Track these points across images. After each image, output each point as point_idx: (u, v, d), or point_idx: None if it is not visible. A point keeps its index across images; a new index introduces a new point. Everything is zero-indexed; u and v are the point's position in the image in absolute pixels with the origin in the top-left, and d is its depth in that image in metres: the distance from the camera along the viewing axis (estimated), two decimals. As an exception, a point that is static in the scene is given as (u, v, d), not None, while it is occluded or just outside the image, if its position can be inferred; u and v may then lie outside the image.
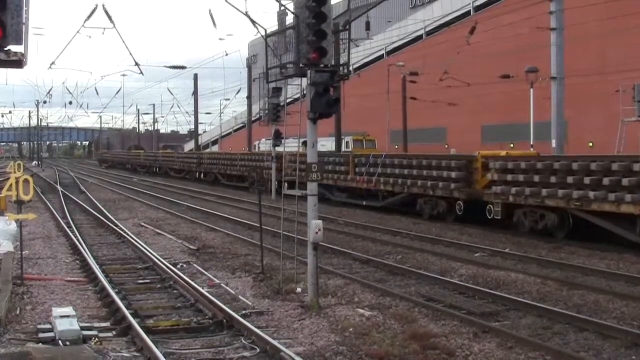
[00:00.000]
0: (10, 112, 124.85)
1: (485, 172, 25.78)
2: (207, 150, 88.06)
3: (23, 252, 17.32)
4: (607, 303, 13.65)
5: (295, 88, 17.56)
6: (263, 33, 15.59)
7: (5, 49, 7.89)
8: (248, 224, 26.70)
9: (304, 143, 15.46)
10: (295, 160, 40.02)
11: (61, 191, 43.56)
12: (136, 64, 36.16)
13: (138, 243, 21.51)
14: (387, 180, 30.92)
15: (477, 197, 25.55)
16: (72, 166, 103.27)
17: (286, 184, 22.17)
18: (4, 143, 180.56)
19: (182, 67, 55.21)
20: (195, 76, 78.07)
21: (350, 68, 15.85)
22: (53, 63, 44.70)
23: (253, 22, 17.17)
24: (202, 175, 59.89)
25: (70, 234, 23.73)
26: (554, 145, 30.87)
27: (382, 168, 31.34)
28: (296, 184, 15.34)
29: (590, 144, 40.63)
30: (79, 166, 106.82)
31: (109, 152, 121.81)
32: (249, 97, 69.41)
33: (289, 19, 14.18)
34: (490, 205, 24.59)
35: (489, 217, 24.66)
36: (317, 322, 12.35)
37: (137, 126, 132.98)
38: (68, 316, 11.78)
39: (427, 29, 60.52)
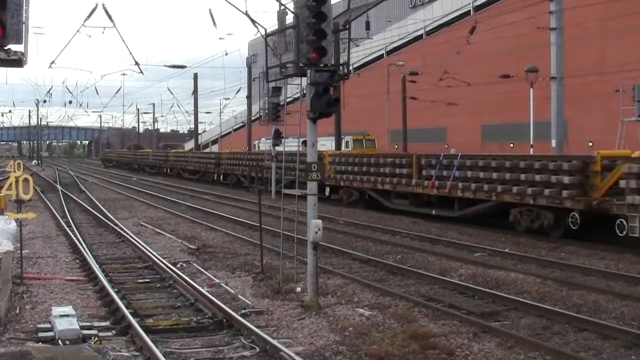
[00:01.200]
0: (10, 111, 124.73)
1: (606, 175, 21.04)
2: (228, 150, 78.63)
3: (23, 252, 17.32)
4: (607, 303, 13.65)
5: (295, 87, 17.55)
6: (263, 32, 15.59)
7: (5, 48, 7.89)
8: (248, 223, 26.70)
9: (304, 142, 15.46)
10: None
11: (61, 190, 43.56)
12: (136, 63, 36.16)
13: (138, 242, 21.51)
14: (467, 185, 25.53)
15: (602, 209, 20.50)
16: (72, 165, 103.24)
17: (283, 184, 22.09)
18: (4, 142, 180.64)
19: (182, 67, 55.21)
20: (195, 75, 78.11)
21: (350, 68, 15.85)
22: (53, 62, 44.84)
23: (253, 21, 17.19)
24: (221, 178, 54.41)
25: (70, 233, 23.73)
26: (554, 145, 30.87)
27: (460, 171, 26.22)
28: (296, 184, 15.32)
29: (590, 144, 40.62)
30: (79, 165, 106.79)
31: (113, 151, 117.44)
32: (248, 97, 69.39)
33: (289, 18, 14.19)
34: (622, 220, 19.66)
35: (621, 235, 19.88)
36: (316, 321, 12.35)
37: (137, 125, 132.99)
38: (68, 315, 11.78)
39: (427, 29, 60.51)
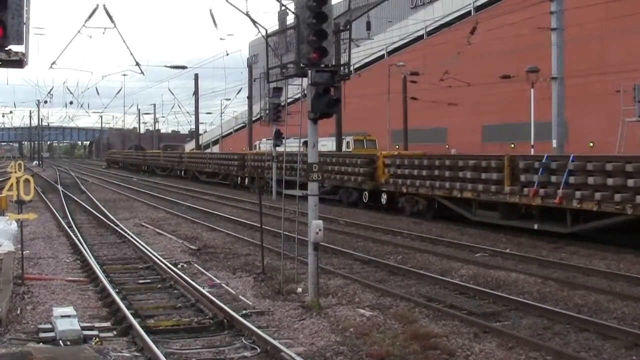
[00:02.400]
0: (11, 112, 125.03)
1: None
2: (255, 148, 69.15)
3: (24, 252, 17.32)
4: (608, 303, 13.65)
5: (296, 88, 17.54)
6: (264, 33, 15.62)
7: (6, 48, 7.90)
8: (249, 224, 26.70)
9: (305, 143, 15.47)
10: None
11: (62, 191, 43.57)
12: (137, 64, 36.23)
13: (139, 243, 21.52)
14: (587, 194, 20.58)
15: None
16: (72, 166, 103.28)
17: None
18: (5, 143, 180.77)
19: (183, 67, 55.25)
20: (196, 76, 78.19)
21: (351, 68, 15.84)
22: (54, 63, 44.77)
23: (254, 22, 17.24)
24: (245, 181, 48.93)
25: (71, 233, 23.74)
26: (554, 145, 30.86)
27: (575, 176, 21.19)
28: (297, 184, 15.32)
29: (591, 144, 40.62)
30: (79, 166, 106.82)
31: (119, 151, 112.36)
32: (249, 97, 69.42)
33: (290, 19, 14.23)
34: None
35: None
36: (317, 322, 12.35)
37: (137, 126, 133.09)
38: (69, 316, 11.79)
39: (428, 29, 60.52)
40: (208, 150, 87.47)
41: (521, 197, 22.96)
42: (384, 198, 31.70)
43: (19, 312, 13.08)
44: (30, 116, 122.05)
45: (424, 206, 28.86)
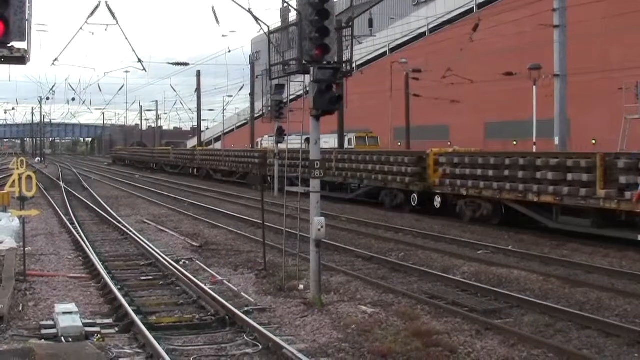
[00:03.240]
0: (13, 108, 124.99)
1: None
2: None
3: (26, 249, 17.33)
4: (610, 301, 13.64)
5: (298, 85, 17.57)
6: (266, 30, 15.58)
7: (9, 45, 7.90)
8: (250, 220, 26.71)
9: (307, 140, 15.46)
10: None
11: (64, 188, 43.58)
12: (139, 60, 36.31)
13: (141, 240, 21.53)
14: None
15: None
16: (75, 163, 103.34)
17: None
18: (7, 139, 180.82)
19: (185, 64, 55.23)
20: (198, 73, 78.24)
21: (353, 65, 15.84)
22: (56, 60, 45.02)
23: (256, 19, 17.19)
24: (271, 183, 41.69)
25: (73, 230, 23.75)
26: (557, 142, 30.86)
27: None
28: (299, 181, 15.32)
29: (594, 142, 40.60)
30: (81, 163, 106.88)
31: (125, 148, 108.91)
32: (251, 94, 69.48)
33: (292, 15, 14.19)
34: None
35: None
36: (319, 319, 12.35)
37: (139, 123, 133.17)
38: (71, 313, 11.80)
39: (430, 27, 60.49)
40: (216, 146, 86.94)
41: (620, 202, 19.69)
42: (437, 201, 28.18)
43: (21, 308, 13.09)
44: (33, 113, 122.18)
45: (488, 211, 25.33)
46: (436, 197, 28.30)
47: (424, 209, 28.94)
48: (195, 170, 61.76)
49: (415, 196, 29.20)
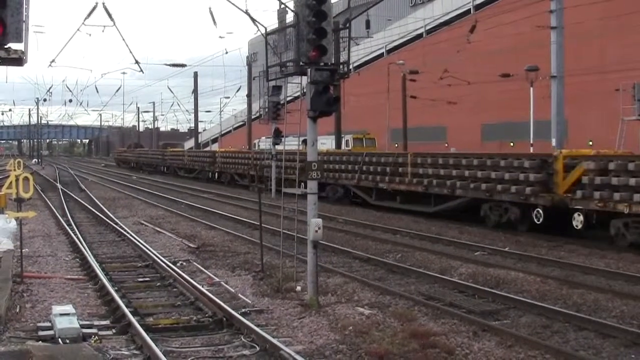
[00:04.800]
0: (10, 109, 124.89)
1: None
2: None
3: (23, 250, 17.31)
4: (607, 302, 13.65)
5: (295, 86, 17.54)
6: (263, 31, 15.60)
7: (6, 46, 7.90)
8: (248, 222, 26.70)
9: (304, 141, 15.46)
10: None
11: (61, 189, 43.55)
12: (136, 62, 36.22)
13: (138, 241, 21.50)
14: None
15: None
16: (72, 164, 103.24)
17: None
18: (4, 141, 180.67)
19: (183, 65, 55.22)
20: (196, 74, 78.26)
21: (351, 66, 15.85)
22: (53, 61, 44.95)
23: (253, 20, 17.21)
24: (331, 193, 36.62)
25: (70, 232, 23.72)
26: (554, 144, 30.90)
27: None
28: (296, 182, 15.32)
29: (590, 143, 40.66)
30: (79, 164, 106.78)
31: (130, 150, 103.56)
32: (249, 96, 69.50)
33: (289, 17, 14.19)
34: None
35: None
36: (316, 320, 12.35)
37: (137, 124, 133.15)
38: (68, 314, 11.77)
39: (428, 28, 60.60)
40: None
41: None
42: (578, 220, 21.57)
43: (18, 310, 13.07)
44: (30, 114, 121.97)
45: None
46: (575, 215, 21.61)
47: (551, 229, 22.83)
48: (215, 175, 55.17)
49: (540, 211, 22.84)
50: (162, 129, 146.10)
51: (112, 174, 73.18)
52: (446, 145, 53.90)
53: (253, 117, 67.33)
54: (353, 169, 33.57)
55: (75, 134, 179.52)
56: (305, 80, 13.54)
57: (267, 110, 39.64)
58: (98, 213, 30.07)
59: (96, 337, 11.35)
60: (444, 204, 27.72)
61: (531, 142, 36.35)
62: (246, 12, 18.00)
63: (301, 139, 16.75)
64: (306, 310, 12.98)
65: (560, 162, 22.61)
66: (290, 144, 35.15)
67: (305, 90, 13.65)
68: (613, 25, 40.09)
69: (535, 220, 23.04)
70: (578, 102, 39.97)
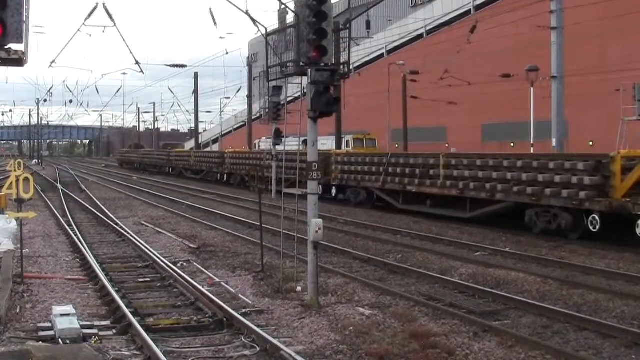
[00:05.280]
0: (10, 110, 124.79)
1: None
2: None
3: (23, 251, 17.32)
4: (608, 302, 13.65)
5: (295, 87, 17.57)
6: (264, 32, 15.61)
7: (6, 47, 7.88)
8: (248, 222, 26.70)
9: (305, 142, 15.46)
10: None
11: (61, 190, 43.57)
12: (137, 62, 36.21)
13: (138, 242, 21.51)
14: None
15: None
16: (72, 165, 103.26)
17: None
18: (5, 141, 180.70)
19: (183, 66, 55.18)
20: (196, 75, 78.21)
21: (351, 67, 15.84)
22: (53, 61, 44.76)
23: (254, 20, 17.22)
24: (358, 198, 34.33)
25: (71, 232, 23.74)
26: (554, 144, 30.89)
27: None
28: (297, 183, 15.31)
29: (591, 143, 40.64)
30: (79, 165, 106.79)
31: (133, 151, 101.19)
32: (249, 96, 69.47)
33: (290, 17, 14.20)
34: None
35: None
36: (317, 321, 12.35)
37: (137, 125, 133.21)
38: (68, 315, 11.78)
39: (428, 28, 60.55)
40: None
41: None
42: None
43: (18, 310, 13.08)
44: (30, 115, 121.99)
45: None
46: None
47: (608, 237, 21.19)
48: (224, 176, 53.14)
49: (597, 218, 21.14)
50: (162, 129, 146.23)
51: (113, 174, 73.18)
52: (447, 145, 53.88)
53: (253, 117, 67.31)
54: (377, 171, 31.47)
55: (75, 134, 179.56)
56: (305, 80, 13.54)
57: (267, 110, 39.65)
58: (98, 213, 30.08)
59: (96, 337, 11.36)
60: (481, 209, 25.60)
61: (532, 142, 36.32)
62: (246, 13, 18.01)
63: (301, 139, 16.76)
64: (306, 311, 12.98)
65: (618, 164, 20.93)
66: (291, 144, 35.13)
67: (305, 91, 13.65)
68: (613, 26, 40.04)
69: (591, 228, 21.29)
70: (578, 103, 39.94)
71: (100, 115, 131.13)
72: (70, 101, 79.95)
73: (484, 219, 25.50)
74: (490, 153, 29.73)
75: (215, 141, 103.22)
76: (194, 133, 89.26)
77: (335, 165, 35.13)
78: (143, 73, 38.14)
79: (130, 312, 12.66)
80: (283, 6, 14.49)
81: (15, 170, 16.93)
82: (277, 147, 38.55)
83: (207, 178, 56.83)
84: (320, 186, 34.25)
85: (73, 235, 22.86)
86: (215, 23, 34.99)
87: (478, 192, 25.12)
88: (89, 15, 31.06)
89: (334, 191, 36.19)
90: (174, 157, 70.72)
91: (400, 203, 30.13)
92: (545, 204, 22.58)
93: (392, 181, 30.37)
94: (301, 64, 13.19)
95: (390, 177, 30.60)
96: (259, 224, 17.99)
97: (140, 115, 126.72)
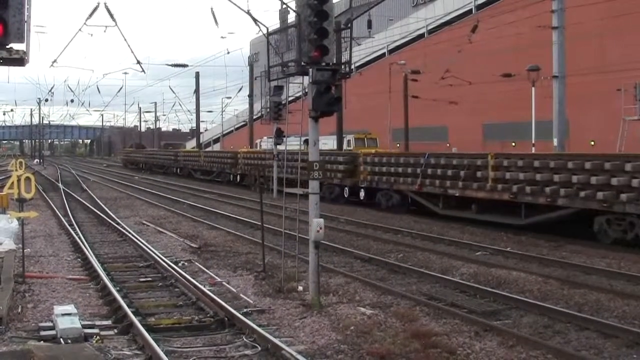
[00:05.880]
0: (12, 110, 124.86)
1: None
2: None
3: (25, 250, 17.32)
4: (609, 302, 13.65)
5: (297, 86, 17.56)
6: (265, 31, 15.60)
7: (7, 46, 7.89)
8: (249, 222, 26.71)
9: (306, 141, 15.46)
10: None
11: (63, 189, 43.56)
12: (138, 62, 36.31)
13: (139, 241, 21.52)
14: None
15: None
16: (73, 164, 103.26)
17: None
18: (6, 141, 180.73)
19: (184, 66, 55.16)
20: (197, 74, 78.21)
21: (352, 66, 15.84)
22: (55, 61, 44.91)
23: (255, 20, 17.21)
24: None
25: (72, 232, 23.75)
26: (555, 144, 30.87)
27: None
28: (298, 183, 15.32)
29: (592, 143, 40.62)
30: (80, 164, 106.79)
31: (138, 150, 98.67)
32: (250, 96, 69.48)
33: (291, 17, 14.21)
34: None
35: None
36: (318, 320, 12.35)
37: (138, 124, 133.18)
38: (69, 314, 11.79)
39: (429, 28, 60.55)
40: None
41: None
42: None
43: (20, 310, 13.09)
44: (32, 114, 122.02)
45: None
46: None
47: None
48: (237, 177, 50.69)
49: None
50: (163, 129, 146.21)
51: (114, 174, 73.17)
52: (448, 145, 53.88)
53: (255, 117, 67.31)
54: (414, 172, 28.92)
55: (76, 134, 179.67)
56: (306, 80, 13.54)
57: (268, 110, 39.66)
58: (100, 213, 30.09)
59: (98, 337, 11.37)
60: (539, 216, 23.22)
61: (533, 142, 36.31)
62: (248, 13, 17.99)
63: (303, 139, 16.77)
64: (308, 310, 12.99)
65: None
66: (292, 144, 35.06)
67: (307, 90, 13.66)
68: (614, 25, 40.01)
69: None
70: (579, 102, 39.92)
71: (102, 115, 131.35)
72: (72, 101, 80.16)
73: (542, 226, 23.25)
74: (551, 153, 27.46)
75: (216, 141, 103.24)
76: (195, 132, 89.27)
77: (363, 166, 32.96)
78: (144, 72, 38.33)
79: (132, 311, 12.67)
80: (284, 6, 14.51)
81: (16, 170, 16.95)
82: (278, 146, 38.56)
83: (217, 179, 54.53)
84: (347, 188, 34.47)
85: (74, 235, 22.88)
86: (216, 22, 35.00)
87: (535, 196, 22.66)
88: (91, 15, 31.13)
89: (362, 194, 33.54)
90: (182, 157, 68.40)
91: (441, 208, 27.73)
92: (619, 210, 20.18)
93: (431, 184, 27.81)
94: (302, 63, 13.20)
95: (429, 179, 28.03)
96: (260, 223, 18.00)
97: (142, 115, 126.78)
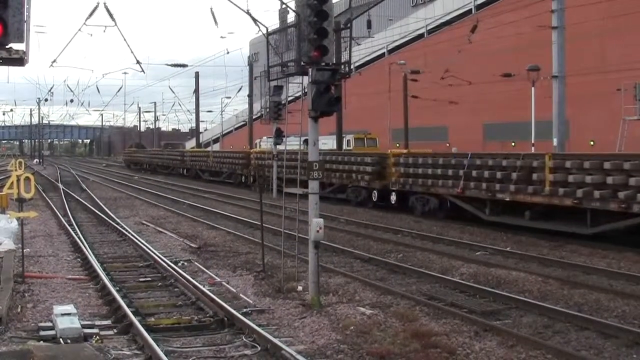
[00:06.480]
0: (11, 110, 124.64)
1: None
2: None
3: (24, 250, 17.32)
4: (608, 302, 13.65)
5: (296, 86, 17.56)
6: (264, 31, 15.59)
7: (7, 46, 7.88)
8: (249, 222, 26.70)
9: (305, 141, 15.46)
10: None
11: (62, 189, 43.56)
12: (138, 62, 36.24)
13: (139, 241, 21.52)
14: None
15: None
16: (73, 164, 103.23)
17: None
18: (6, 141, 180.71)
19: (184, 66, 55.08)
20: (197, 74, 78.23)
21: (352, 66, 15.83)
22: (54, 61, 44.98)
23: (254, 20, 17.18)
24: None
25: (72, 232, 23.74)
26: (555, 144, 30.86)
27: None
28: (297, 183, 15.31)
29: (592, 143, 40.61)
30: (80, 164, 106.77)
31: (141, 150, 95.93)
32: (250, 96, 69.43)
33: (291, 17, 14.20)
34: None
35: None
36: (318, 320, 12.35)
37: (138, 124, 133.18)
38: (69, 314, 11.79)
39: (429, 28, 60.55)
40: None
41: None
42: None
43: (19, 310, 13.09)
44: (31, 114, 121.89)
45: None
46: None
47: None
48: (250, 179, 47.55)
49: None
50: (163, 129, 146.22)
51: (114, 174, 73.17)
52: (448, 145, 53.89)
53: (254, 117, 67.30)
54: (455, 175, 26.17)
55: (76, 134, 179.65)
56: (306, 80, 13.54)
57: (268, 110, 39.66)
58: (99, 213, 30.08)
59: (97, 337, 11.37)
60: (609, 224, 20.66)
61: (532, 142, 36.30)
62: (247, 12, 17.97)
63: (302, 139, 16.76)
64: (307, 310, 12.99)
65: None
66: (292, 144, 35.03)
67: (306, 90, 13.65)
68: (614, 25, 40.03)
69: None
70: (579, 102, 39.93)
71: (101, 115, 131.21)
72: (71, 100, 79.96)
73: (613, 236, 20.92)
74: (624, 153, 24.85)
75: (215, 141, 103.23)
76: (194, 132, 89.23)
77: (394, 167, 30.39)
78: (144, 72, 38.29)
79: (131, 311, 12.67)
80: (284, 6, 14.50)
81: (16, 170, 16.94)
82: (277, 146, 38.57)
83: (227, 180, 52.13)
84: (375, 192, 31.86)
85: (74, 235, 22.87)
86: (216, 22, 34.92)
87: (605, 202, 20.08)
88: (90, 15, 31.07)
89: (393, 198, 30.86)
90: (188, 157, 65.31)
91: (488, 214, 25.07)
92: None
93: (476, 187, 25.00)
94: (302, 63, 13.20)
95: (474, 181, 25.21)
96: (259, 223, 17.99)
97: (141, 115, 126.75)
